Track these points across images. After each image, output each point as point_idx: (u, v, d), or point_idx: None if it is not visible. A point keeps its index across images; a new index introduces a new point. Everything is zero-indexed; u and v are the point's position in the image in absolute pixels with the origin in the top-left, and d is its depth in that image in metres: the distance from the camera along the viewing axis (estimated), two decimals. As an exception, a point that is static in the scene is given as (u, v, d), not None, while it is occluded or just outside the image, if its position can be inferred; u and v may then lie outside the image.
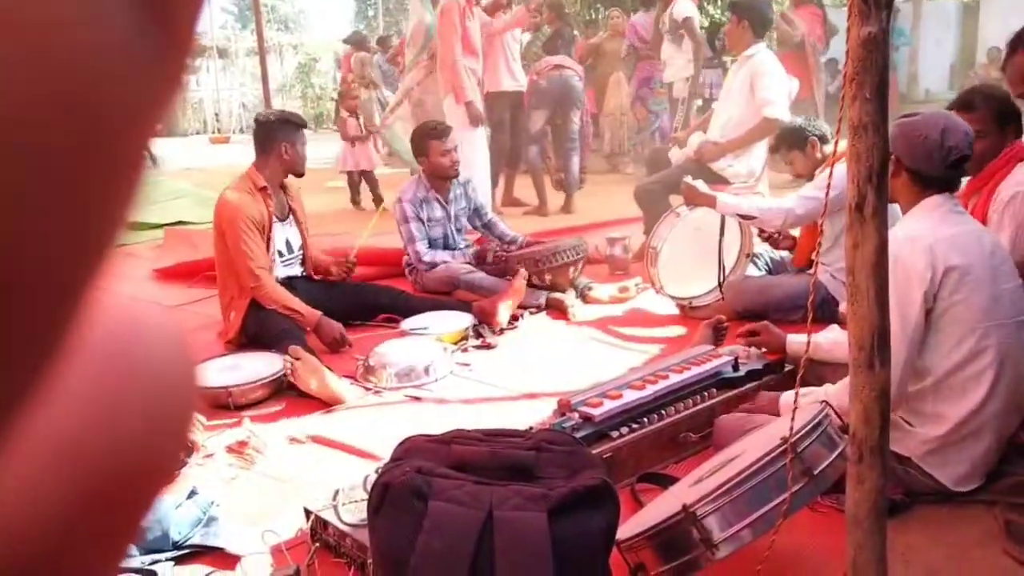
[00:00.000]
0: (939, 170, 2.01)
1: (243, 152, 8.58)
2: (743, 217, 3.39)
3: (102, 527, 0.28)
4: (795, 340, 2.52)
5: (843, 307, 3.11)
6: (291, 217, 3.55)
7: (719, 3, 10.96)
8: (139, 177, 0.22)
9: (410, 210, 3.99)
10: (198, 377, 0.33)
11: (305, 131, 3.48)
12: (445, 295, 3.87)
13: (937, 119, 2.05)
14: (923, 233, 1.94)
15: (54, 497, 0.26)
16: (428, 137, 4.02)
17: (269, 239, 3.39)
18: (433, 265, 3.96)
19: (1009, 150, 2.68)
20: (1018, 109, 2.75)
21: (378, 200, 6.92)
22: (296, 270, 3.59)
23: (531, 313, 3.68)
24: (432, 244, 4.05)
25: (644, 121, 7.38)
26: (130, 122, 0.21)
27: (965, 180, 2.67)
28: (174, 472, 0.32)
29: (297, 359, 2.77)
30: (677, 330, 3.48)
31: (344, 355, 3.16)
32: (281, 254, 3.50)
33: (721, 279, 3.66)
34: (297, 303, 3.29)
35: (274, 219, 3.43)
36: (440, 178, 4.05)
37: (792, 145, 3.41)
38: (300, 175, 3.48)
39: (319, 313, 3.27)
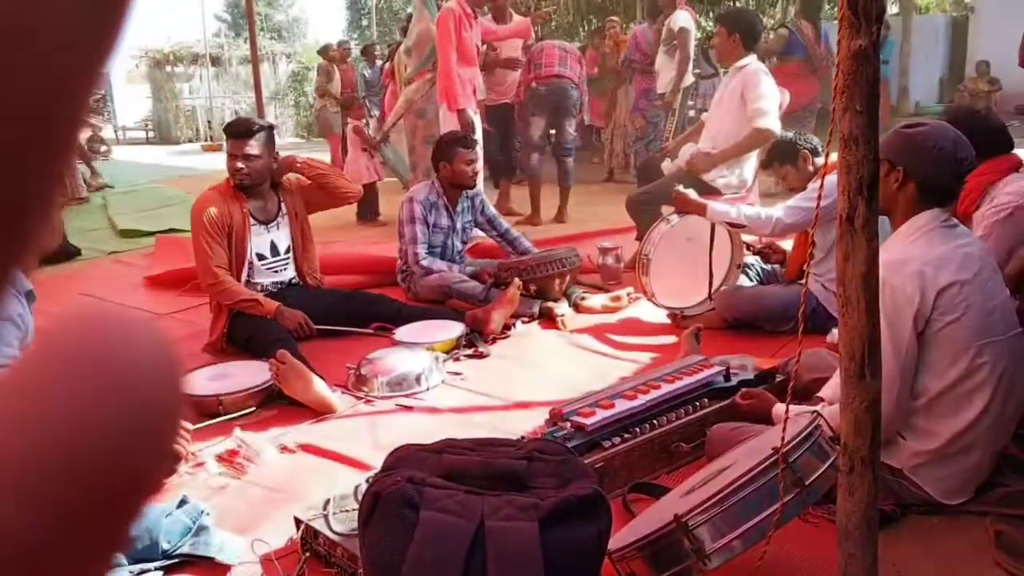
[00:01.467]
0: (950, 181, 2.01)
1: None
2: (732, 225, 3.41)
3: (84, 535, 0.28)
4: (779, 408, 2.14)
5: (830, 337, 3.12)
6: (282, 219, 3.53)
7: (710, 15, 11.02)
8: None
9: (419, 211, 3.98)
10: (183, 385, 0.33)
11: (235, 138, 3.36)
12: (438, 304, 3.87)
13: (945, 130, 2.05)
14: (913, 255, 1.93)
15: (32, 504, 0.26)
16: (457, 144, 4.04)
17: (243, 241, 3.38)
18: (428, 271, 3.95)
19: (995, 162, 2.72)
20: (998, 134, 2.79)
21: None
22: (286, 276, 3.57)
23: (523, 322, 3.68)
24: (430, 251, 4.05)
25: (643, 131, 7.43)
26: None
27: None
28: (159, 480, 0.32)
29: (282, 363, 2.76)
30: (669, 340, 3.48)
31: (336, 364, 3.15)
32: (262, 257, 3.48)
33: (712, 289, 3.67)
34: (254, 294, 3.32)
35: (250, 222, 3.41)
36: (457, 186, 4.06)
37: (784, 159, 3.42)
38: (235, 184, 3.40)
39: (277, 303, 3.32)
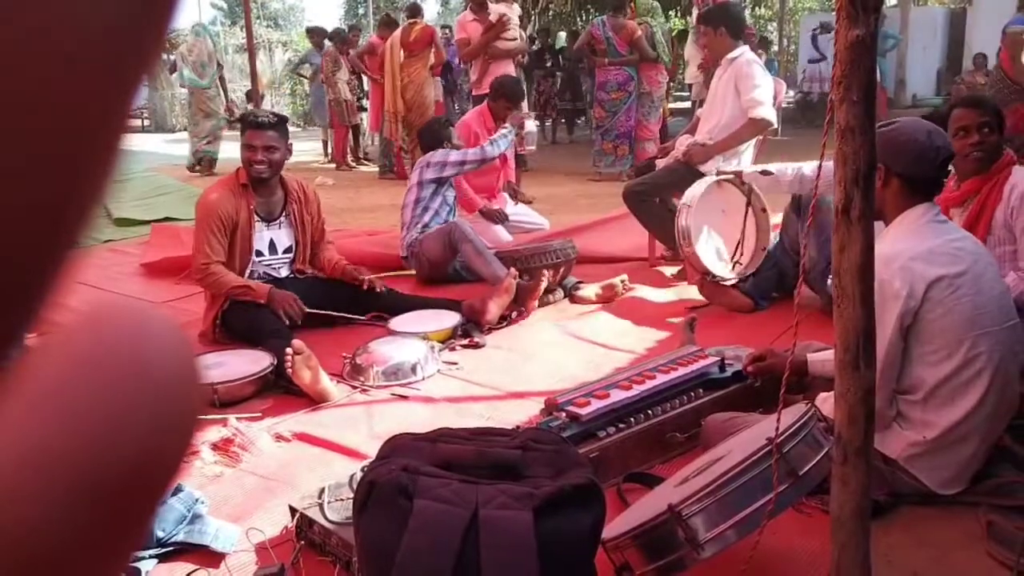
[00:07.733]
0: (931, 172, 2.02)
1: (229, 149, 8.57)
2: (761, 173, 3.54)
3: (108, 528, 0.28)
4: (814, 359, 2.28)
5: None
6: (285, 219, 3.50)
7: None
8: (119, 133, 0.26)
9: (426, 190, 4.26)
10: (201, 379, 0.33)
11: (257, 129, 3.28)
12: (441, 269, 4.02)
13: (918, 124, 2.09)
14: (901, 250, 1.95)
15: (59, 499, 0.26)
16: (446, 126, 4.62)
17: (248, 237, 3.36)
18: (462, 162, 4.26)
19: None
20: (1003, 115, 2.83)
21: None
22: (283, 272, 3.55)
23: (518, 313, 3.68)
24: (434, 216, 4.23)
25: (601, 121, 7.75)
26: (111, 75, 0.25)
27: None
28: (180, 473, 0.32)
29: (299, 353, 2.74)
30: (664, 331, 3.48)
31: (331, 353, 3.14)
32: (260, 254, 3.46)
33: (737, 255, 3.77)
34: (245, 280, 3.29)
35: (255, 218, 3.39)
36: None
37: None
38: (252, 176, 3.32)
39: (269, 286, 3.28)
